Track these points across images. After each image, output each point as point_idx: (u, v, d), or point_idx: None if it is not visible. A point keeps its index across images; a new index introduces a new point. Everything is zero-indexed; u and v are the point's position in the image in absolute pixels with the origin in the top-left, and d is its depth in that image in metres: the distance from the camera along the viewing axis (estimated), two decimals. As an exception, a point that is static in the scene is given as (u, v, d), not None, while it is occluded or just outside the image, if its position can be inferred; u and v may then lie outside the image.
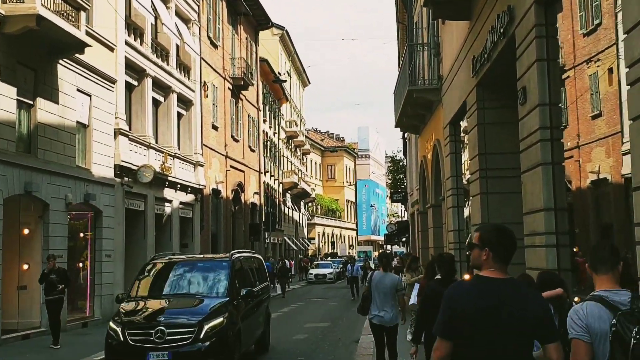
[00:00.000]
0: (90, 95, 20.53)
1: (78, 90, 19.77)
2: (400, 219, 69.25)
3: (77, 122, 19.73)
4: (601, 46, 17.16)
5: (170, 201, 27.23)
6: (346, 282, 34.07)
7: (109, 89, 21.73)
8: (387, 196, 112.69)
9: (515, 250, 3.76)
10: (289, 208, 60.80)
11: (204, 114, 31.92)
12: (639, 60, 5.56)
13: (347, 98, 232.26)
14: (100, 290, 20.67)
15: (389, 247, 54.23)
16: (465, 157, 16.51)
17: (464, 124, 16.02)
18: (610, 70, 16.99)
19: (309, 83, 75.64)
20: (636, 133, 5.72)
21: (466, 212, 16.86)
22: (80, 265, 21.21)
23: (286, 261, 36.46)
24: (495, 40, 10.86)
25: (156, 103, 27.30)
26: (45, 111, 17.92)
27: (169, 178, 26.44)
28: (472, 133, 13.40)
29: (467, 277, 9.59)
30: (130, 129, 24.46)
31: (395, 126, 23.89)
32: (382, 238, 77.00)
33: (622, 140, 15.91)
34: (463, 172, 16.78)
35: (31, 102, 17.54)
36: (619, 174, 16.96)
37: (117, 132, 22.22)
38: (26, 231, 17.89)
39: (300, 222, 68.76)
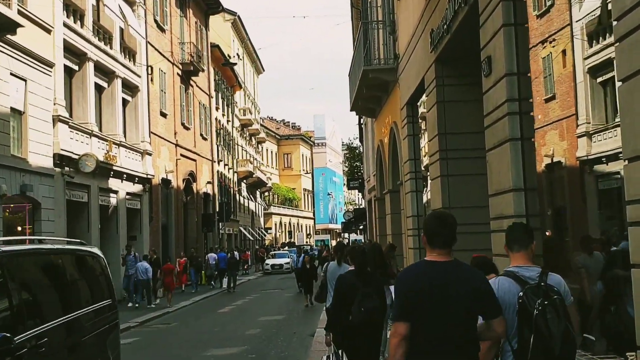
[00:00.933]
0: (25, 80, 19.16)
1: (12, 74, 18.40)
2: (357, 207, 68.63)
3: (11, 108, 18.36)
4: (554, 27, 16.50)
5: (116, 192, 25.95)
6: (294, 274, 31.70)
7: (46, 73, 20.37)
8: (344, 184, 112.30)
9: (452, 234, 3.97)
10: (244, 198, 59.64)
11: (152, 101, 30.61)
12: (630, 10, 4.74)
13: (301, 83, 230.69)
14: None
15: (346, 235, 53.51)
16: (424, 140, 15.78)
17: (422, 109, 15.26)
18: (564, 52, 16.35)
19: (263, 70, 74.32)
20: (626, 96, 4.91)
21: (425, 197, 16.12)
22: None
23: (235, 253, 34.49)
24: (456, 8, 10.03)
25: (99, 89, 25.94)
26: (-28, 96, 16.56)
27: (114, 167, 25.16)
28: (432, 112, 12.59)
29: None
30: (71, 116, 23.10)
31: (351, 110, 23.02)
32: (339, 226, 76.38)
33: (577, 123, 15.35)
34: (422, 155, 16.01)
35: (-44, 86, 16.20)
36: (574, 157, 16.37)
37: (56, 119, 20.88)
38: (-47, 226, 16.54)
39: (257, 211, 67.67)
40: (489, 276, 4.98)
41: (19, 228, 19.90)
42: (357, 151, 55.08)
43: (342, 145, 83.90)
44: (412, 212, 15.83)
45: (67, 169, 21.59)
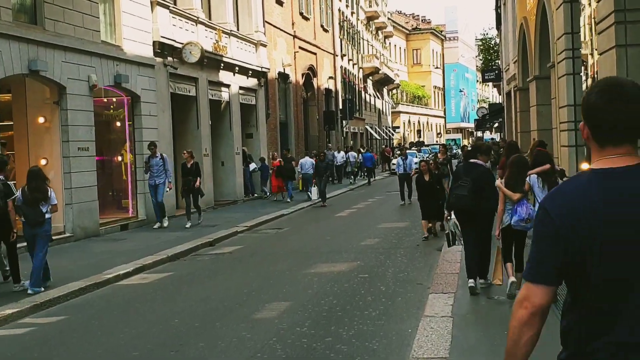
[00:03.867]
0: (115, -43, 17.09)
1: (98, -51, 16.32)
2: (492, 103, 64.04)
3: (100, -12, 16.42)
4: None
5: (227, 85, 24.00)
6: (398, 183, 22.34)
7: (141, -50, 18.20)
8: (477, 81, 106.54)
9: (635, 117, 2.11)
10: (370, 95, 56.81)
11: (266, -14, 28.04)
12: None
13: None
14: (144, 187, 17.86)
15: (479, 133, 49.84)
16: (587, 7, 12.35)
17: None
18: None
19: (391, -41, 69.51)
20: None
21: (586, 82, 12.84)
22: (119, 159, 18.47)
23: (329, 154, 27.81)
24: None
25: (206, -28, 23.68)
26: (52, -27, 14.63)
27: (225, 59, 23.09)
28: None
29: (585, 166, 9.40)
30: (174, 2, 21.04)
31: (489, -17, 19.46)
32: (472, 125, 72.30)
33: None
34: (582, 27, 12.61)
35: (34, -39, 14.30)
36: None
37: (154, 3, 18.82)
38: (41, 120, 15.02)
39: (384, 110, 64.80)
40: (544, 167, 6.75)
41: (118, 124, 18.36)
42: (492, 42, 50.35)
43: (476, 40, 78.21)
44: (567, 100, 12.64)
45: (169, 59, 19.68)
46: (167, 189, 17.14)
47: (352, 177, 35.95)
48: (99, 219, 16.20)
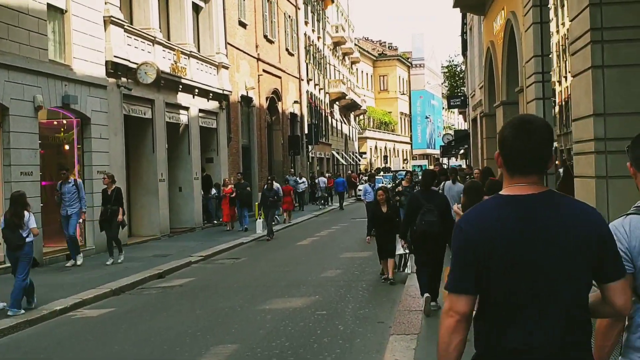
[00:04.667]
0: (66, -28, 16.25)
1: (46, -37, 15.46)
2: (458, 130, 63.98)
3: (48, 4, 15.52)
4: None
5: (186, 108, 23.17)
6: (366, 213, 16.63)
7: (94, -34, 17.40)
8: (443, 108, 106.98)
9: (542, 152, 2.47)
10: (337, 120, 56.28)
11: (228, 8, 27.34)
12: None
13: (399, 7, 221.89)
14: (92, 215, 16.84)
15: (445, 160, 49.52)
16: (556, 28, 11.88)
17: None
18: None
19: (358, -15, 69.54)
20: None
21: (555, 107, 12.34)
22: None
23: (276, 185, 22.37)
24: None
25: (165, -9, 22.94)
26: (-6, -14, 13.75)
27: (183, 80, 22.27)
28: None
29: None
30: (131, 21, 20.25)
31: (454, 5, 18.96)
32: (438, 151, 72.20)
33: None
34: (552, 48, 12.11)
35: (-26, -26, 13.41)
36: None
37: (108, 21, 17.99)
38: (-21, 142, 14.04)
39: (350, 135, 64.33)
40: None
41: (66, 147, 17.39)
42: (458, 69, 50.32)
43: (442, 67, 78.30)
44: (536, 126, 12.04)
45: (123, 79, 18.81)
46: (80, 220, 15.37)
47: (322, 202, 36.24)
48: (42, 248, 15.15)
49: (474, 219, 2.51)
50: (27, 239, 10.06)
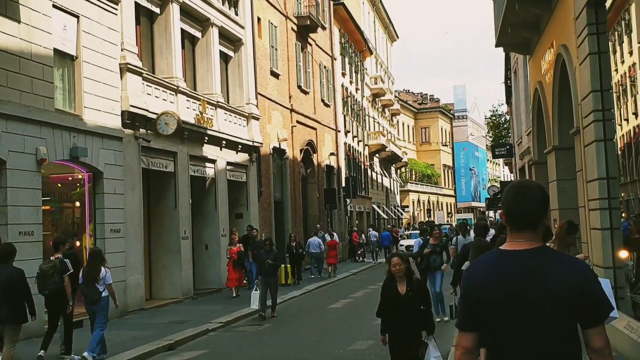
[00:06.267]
0: (77, 17, 15.23)
1: (55, 6, 14.45)
2: (504, 181, 61.68)
3: (56, 50, 14.46)
4: None
5: (213, 161, 21.88)
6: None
7: (109, 11, 16.40)
8: (487, 159, 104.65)
9: (535, 212, 3.00)
10: (377, 173, 54.65)
11: (260, 58, 26.29)
12: None
13: (439, 55, 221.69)
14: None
15: (491, 213, 47.35)
16: (621, 50, 10.27)
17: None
18: None
19: (397, 38, 68.80)
20: None
21: (619, 145, 10.65)
22: (78, 244, 16.14)
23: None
24: None
25: (191, 39, 21.95)
26: (-8, 29, 12.70)
27: (209, 132, 21.03)
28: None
29: (623, 254, 9.69)
30: (153, 70, 19.21)
31: (496, 45, 17.35)
32: (483, 204, 69.80)
33: None
34: (614, 80, 10.44)
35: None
36: None
37: (124, 69, 16.88)
38: (-28, 199, 12.80)
39: (392, 188, 62.55)
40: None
41: (77, 203, 16.14)
42: (502, 118, 48.52)
43: (485, 118, 76.40)
44: (597, 173, 10.31)
45: (142, 130, 17.62)
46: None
47: (374, 255, 36.40)
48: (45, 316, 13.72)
49: (476, 271, 3.09)
50: (103, 294, 10.67)
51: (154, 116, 17.89)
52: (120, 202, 16.44)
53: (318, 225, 30.29)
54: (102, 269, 10.65)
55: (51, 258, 11.03)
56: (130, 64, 16.95)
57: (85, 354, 10.37)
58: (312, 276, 26.19)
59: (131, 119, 17.04)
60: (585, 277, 2.91)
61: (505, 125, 46.88)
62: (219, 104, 22.25)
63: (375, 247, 37.06)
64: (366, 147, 49.57)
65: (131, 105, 16.86)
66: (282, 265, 22.12)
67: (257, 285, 16.08)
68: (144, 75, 17.71)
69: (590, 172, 10.83)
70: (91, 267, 10.67)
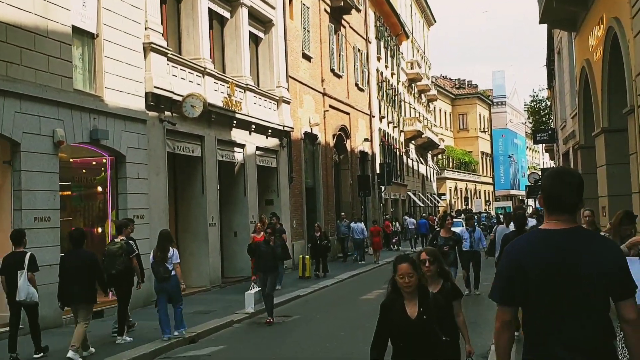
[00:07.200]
0: (98, -7, 14.60)
1: (74, -18, 13.82)
2: (544, 168, 60.01)
3: (74, 27, 13.83)
4: None
5: (242, 145, 21.19)
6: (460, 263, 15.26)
7: (132, -12, 15.75)
8: (527, 147, 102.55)
9: (575, 198, 3.25)
10: (413, 160, 53.56)
11: (291, 39, 25.50)
12: None
13: (479, 40, 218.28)
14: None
15: (530, 201, 46.01)
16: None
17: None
18: None
19: (435, 22, 67.36)
20: None
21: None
22: (100, 231, 15.61)
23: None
24: None
25: (220, 19, 21.24)
26: (6, 4, 12.08)
27: (238, 115, 20.35)
28: None
29: None
30: (180, 51, 18.55)
31: (540, 21, 16.27)
32: (522, 192, 68.22)
33: None
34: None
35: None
36: None
37: (148, 48, 16.22)
38: (-15, 183, 12.27)
39: (428, 176, 61.39)
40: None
41: (99, 188, 15.56)
42: (543, 104, 46.98)
43: (525, 104, 74.52)
44: (655, 155, 9.32)
45: (167, 113, 16.98)
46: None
47: (412, 243, 35.89)
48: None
49: (517, 246, 3.34)
50: (173, 272, 11.28)
51: (180, 98, 17.23)
52: (144, 187, 15.83)
53: (343, 214, 29.40)
54: (170, 249, 11.29)
55: (115, 240, 11.62)
56: (154, 44, 16.29)
57: (175, 332, 11.44)
58: (362, 262, 26.65)
59: (155, 100, 16.39)
60: (620, 253, 3.30)
61: (546, 111, 45.34)
62: (248, 86, 21.53)
63: (414, 235, 36.76)
64: (402, 134, 48.54)
65: (155, 87, 16.20)
66: (301, 257, 21.68)
67: (254, 284, 14.44)
68: (169, 55, 17.05)
69: (646, 155, 9.85)
70: (160, 248, 11.27)
